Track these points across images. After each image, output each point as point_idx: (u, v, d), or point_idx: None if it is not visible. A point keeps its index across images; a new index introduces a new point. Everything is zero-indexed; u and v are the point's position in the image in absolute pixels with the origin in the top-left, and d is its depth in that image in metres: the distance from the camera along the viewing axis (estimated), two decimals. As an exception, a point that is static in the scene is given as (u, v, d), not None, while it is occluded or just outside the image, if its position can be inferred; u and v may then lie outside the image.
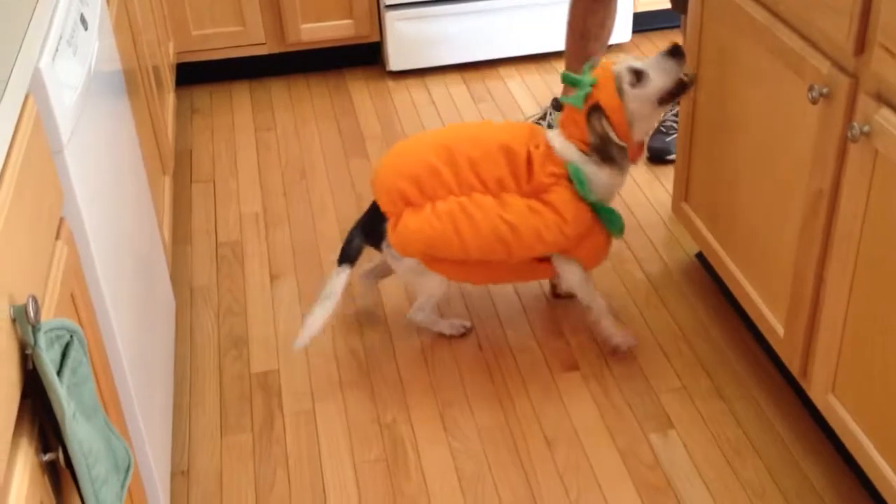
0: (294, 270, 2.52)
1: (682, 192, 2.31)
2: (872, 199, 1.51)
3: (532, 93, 3.30)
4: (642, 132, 2.05)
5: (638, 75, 1.98)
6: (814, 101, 1.60)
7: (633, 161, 2.07)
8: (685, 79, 2.01)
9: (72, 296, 1.31)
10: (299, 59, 3.47)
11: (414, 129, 3.13)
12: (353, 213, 2.72)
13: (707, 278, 2.41)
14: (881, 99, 1.47)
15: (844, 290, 1.62)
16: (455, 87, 3.38)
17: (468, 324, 2.27)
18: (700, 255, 2.46)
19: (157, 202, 2.23)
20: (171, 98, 2.92)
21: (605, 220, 2.08)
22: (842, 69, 1.56)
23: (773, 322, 1.92)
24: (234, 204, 2.81)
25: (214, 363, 2.24)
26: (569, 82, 2.07)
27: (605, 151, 2.00)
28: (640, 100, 1.98)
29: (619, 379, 2.13)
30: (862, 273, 1.58)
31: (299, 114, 3.27)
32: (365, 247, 2.14)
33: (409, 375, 2.18)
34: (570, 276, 2.14)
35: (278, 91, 3.41)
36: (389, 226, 2.05)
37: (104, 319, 1.47)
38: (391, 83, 3.43)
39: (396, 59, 3.41)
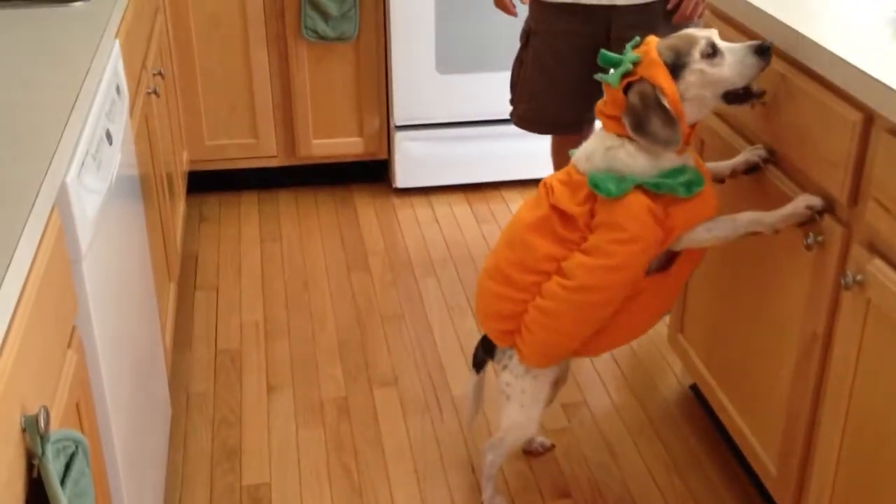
0: (292, 383, 2.54)
1: (678, 324, 2.34)
2: (865, 346, 1.54)
3: (534, 217, 3.37)
4: (693, 115, 1.77)
5: (714, 50, 1.72)
6: (808, 248, 1.65)
7: (686, 140, 1.76)
8: (755, 88, 1.75)
9: (77, 405, 1.33)
10: (308, 172, 3.55)
11: (416, 245, 3.19)
12: (354, 326, 2.76)
13: (701, 410, 2.42)
14: (874, 249, 1.52)
15: (837, 433, 1.64)
16: (459, 207, 3.45)
17: None
18: (694, 387, 2.48)
19: (161, 308, 2.26)
20: (181, 205, 2.99)
21: (666, 190, 1.76)
22: (836, 219, 1.62)
23: (765, 460, 1.93)
24: (236, 312, 2.84)
25: (206, 473, 2.23)
26: (605, 62, 1.80)
27: (644, 120, 1.71)
28: (703, 77, 1.72)
29: (611, 509, 2.13)
30: (854, 418, 1.60)
31: (305, 226, 3.33)
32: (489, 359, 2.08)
33: (400, 495, 2.17)
34: (699, 237, 1.81)
35: (286, 203, 3.48)
36: (516, 352, 1.97)
37: (105, 429, 1.49)
38: (396, 200, 3.50)
39: (403, 176, 3.49)
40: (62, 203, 1.34)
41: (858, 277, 1.52)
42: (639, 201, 1.76)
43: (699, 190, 1.76)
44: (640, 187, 1.76)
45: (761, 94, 1.76)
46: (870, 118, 1.52)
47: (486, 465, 2.10)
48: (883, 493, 1.54)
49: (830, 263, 1.63)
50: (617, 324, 1.91)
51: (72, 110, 1.46)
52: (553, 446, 2.29)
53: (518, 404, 2.00)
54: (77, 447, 1.16)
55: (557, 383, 2.08)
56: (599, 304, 1.85)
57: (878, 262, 1.50)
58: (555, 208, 1.83)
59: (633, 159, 1.76)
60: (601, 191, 1.76)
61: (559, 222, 1.83)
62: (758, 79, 1.74)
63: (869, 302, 1.52)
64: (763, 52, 1.71)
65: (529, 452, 2.27)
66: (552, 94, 2.66)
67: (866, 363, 1.55)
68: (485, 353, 2.06)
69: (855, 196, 1.57)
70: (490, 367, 2.08)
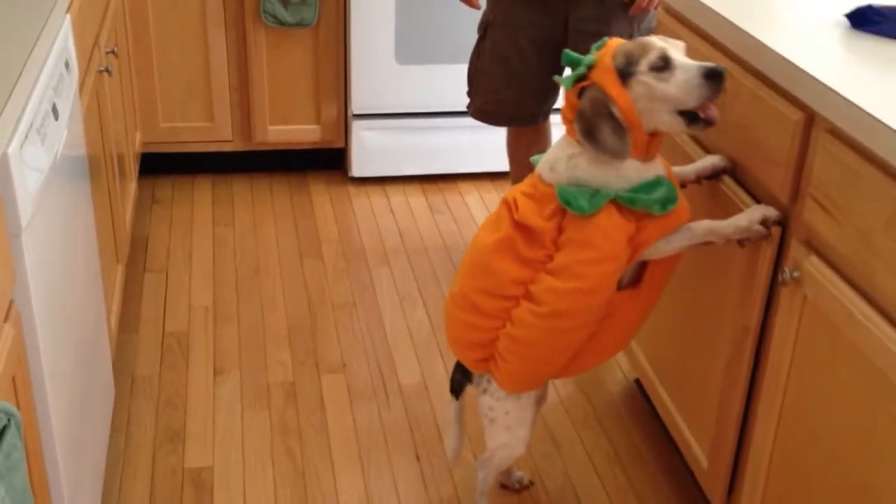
0: (238, 367, 2.53)
1: (625, 318, 2.37)
2: (800, 342, 1.58)
3: (488, 208, 3.39)
4: (649, 125, 1.66)
5: (665, 64, 1.62)
6: (741, 245, 1.68)
7: (637, 152, 1.66)
8: (703, 115, 1.63)
9: (13, 378, 1.31)
10: (264, 158, 3.54)
11: (370, 234, 3.19)
12: (304, 313, 2.75)
13: (645, 405, 2.45)
14: (811, 246, 1.55)
15: (771, 427, 1.67)
16: (414, 198, 3.46)
17: None
18: (639, 382, 2.51)
19: (107, 289, 2.24)
20: (132, 187, 2.96)
21: (641, 206, 1.68)
22: (773, 215, 1.65)
23: (697, 453, 1.96)
24: (185, 296, 2.82)
25: (148, 455, 2.22)
26: (568, 61, 1.72)
27: (593, 128, 1.64)
28: (650, 91, 1.62)
29: (553, 500, 2.15)
30: (788, 412, 1.63)
31: (259, 212, 3.32)
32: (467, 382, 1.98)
33: (343, 480, 2.17)
34: (660, 249, 1.74)
35: (240, 188, 3.47)
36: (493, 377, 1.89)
37: (42, 404, 1.48)
38: (352, 188, 3.50)
39: (359, 165, 3.49)
40: (2, 175, 1.33)
41: (795, 274, 1.55)
42: (612, 219, 1.67)
43: (673, 208, 1.69)
44: (614, 201, 1.68)
45: (708, 123, 1.63)
46: (811, 117, 1.55)
47: (479, 482, 2.03)
48: (816, 487, 1.57)
49: (764, 259, 1.65)
50: (597, 343, 1.83)
51: (16, 83, 1.45)
52: (531, 483, 2.18)
53: (503, 426, 1.91)
54: (10, 420, 1.15)
55: (539, 401, 1.99)
56: (574, 329, 1.76)
57: (815, 260, 1.53)
58: (518, 225, 1.73)
59: (593, 169, 1.68)
60: (573, 208, 1.67)
61: (522, 241, 1.73)
62: (716, 104, 1.63)
63: (805, 298, 1.55)
64: (713, 76, 1.59)
65: (506, 487, 2.17)
66: (510, 87, 2.67)
67: (801, 359, 1.58)
68: (462, 376, 1.97)
69: (795, 194, 1.60)
70: (469, 389, 1.98)
